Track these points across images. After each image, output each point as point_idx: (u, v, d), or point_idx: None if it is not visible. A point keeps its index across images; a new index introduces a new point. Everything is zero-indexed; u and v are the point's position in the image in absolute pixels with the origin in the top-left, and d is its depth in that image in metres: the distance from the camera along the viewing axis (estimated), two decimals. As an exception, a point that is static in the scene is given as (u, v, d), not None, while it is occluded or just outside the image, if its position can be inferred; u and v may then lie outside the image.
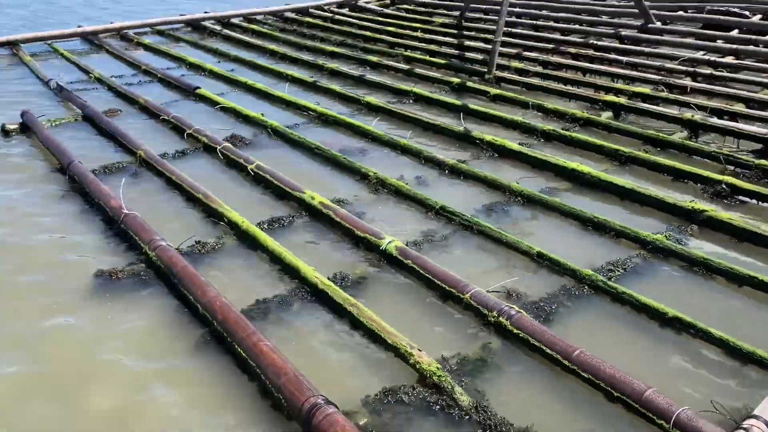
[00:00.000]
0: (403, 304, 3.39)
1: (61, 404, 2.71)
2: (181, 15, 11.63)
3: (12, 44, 9.19)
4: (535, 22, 10.71)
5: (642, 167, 5.13)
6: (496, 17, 11.20)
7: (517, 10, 11.40)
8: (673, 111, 6.21)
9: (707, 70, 7.61)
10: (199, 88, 7.11)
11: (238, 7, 12.50)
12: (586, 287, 3.45)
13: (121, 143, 5.49)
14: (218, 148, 5.29)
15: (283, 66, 8.44)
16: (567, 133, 5.68)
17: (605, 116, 6.34)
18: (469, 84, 7.36)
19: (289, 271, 3.58)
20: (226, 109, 6.53)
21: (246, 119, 6.26)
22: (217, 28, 11.05)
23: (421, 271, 3.46)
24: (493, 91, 7.01)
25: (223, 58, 9.02)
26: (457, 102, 6.61)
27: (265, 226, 4.11)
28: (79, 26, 10.24)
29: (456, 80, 7.47)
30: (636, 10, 9.87)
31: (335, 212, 4.12)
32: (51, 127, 5.84)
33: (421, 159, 5.24)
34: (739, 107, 6.27)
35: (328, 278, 3.46)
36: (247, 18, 11.96)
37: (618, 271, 3.62)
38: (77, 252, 3.86)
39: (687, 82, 7.12)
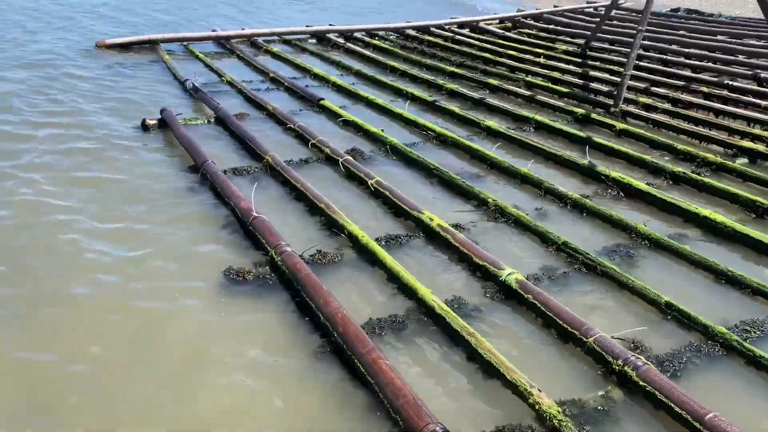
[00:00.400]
0: (520, 340, 3.32)
1: (168, 389, 2.83)
2: (307, 26, 12.04)
3: (152, 43, 9.81)
4: (663, 56, 10.31)
5: (781, 221, 4.81)
6: (623, 48, 10.93)
7: (645, 42, 11.03)
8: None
9: None
10: (322, 99, 7.31)
11: (361, 23, 12.81)
12: (719, 346, 3.25)
13: (249, 147, 5.72)
14: (340, 160, 5.40)
15: (402, 83, 8.55)
16: (698, 177, 5.41)
17: (740, 162, 6.00)
18: (594, 116, 7.17)
19: (405, 290, 3.59)
20: (347, 123, 6.67)
21: (366, 134, 6.37)
22: (341, 41, 11.34)
23: (542, 308, 3.37)
24: (619, 125, 6.79)
25: (345, 71, 9.24)
26: (581, 134, 6.45)
27: (383, 243, 4.15)
28: (213, 30, 10.82)
29: (580, 111, 7.30)
30: (778, 52, 9.30)
31: (453, 236, 4.10)
32: (186, 126, 6.17)
33: (542, 190, 5.13)
34: None
35: (445, 302, 3.44)
36: (369, 33, 12.23)
37: (755, 332, 3.38)
38: (207, 246, 4.05)
39: (835, 133, 6.61)
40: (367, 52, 10.47)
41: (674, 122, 6.99)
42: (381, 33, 12.44)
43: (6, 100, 6.54)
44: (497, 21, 13.82)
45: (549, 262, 4.06)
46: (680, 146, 6.19)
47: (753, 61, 9.83)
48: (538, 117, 6.93)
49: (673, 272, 4.06)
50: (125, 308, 3.38)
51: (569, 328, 3.22)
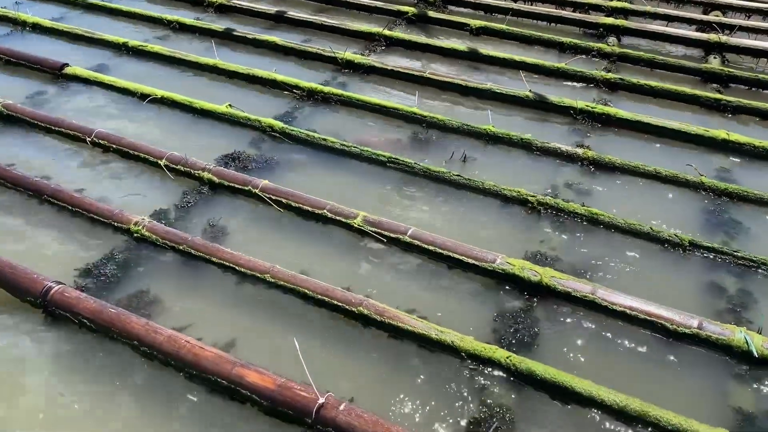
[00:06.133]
0: None
1: None
2: None
3: None
4: None
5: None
6: None
7: None
8: (697, 34, 5.44)
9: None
10: (67, 65, 4.47)
11: None
12: None
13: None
14: (257, 190, 3.24)
15: (144, 5, 5.79)
16: (642, 82, 4.57)
17: (612, 43, 5.36)
18: (431, 14, 5.74)
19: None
20: (158, 101, 4.16)
21: (203, 114, 4.05)
22: None
23: None
24: (474, 23, 5.51)
25: (23, -3, 5.92)
26: (461, 47, 5.05)
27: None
28: None
29: (409, 9, 5.76)
30: None
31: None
32: None
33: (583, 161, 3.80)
34: None
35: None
36: None
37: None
38: None
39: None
40: None
41: (506, 3, 5.97)
42: None
43: None
44: None
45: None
46: (566, 39, 5.27)
47: None
48: (388, 32, 5.25)
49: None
50: None
51: None
